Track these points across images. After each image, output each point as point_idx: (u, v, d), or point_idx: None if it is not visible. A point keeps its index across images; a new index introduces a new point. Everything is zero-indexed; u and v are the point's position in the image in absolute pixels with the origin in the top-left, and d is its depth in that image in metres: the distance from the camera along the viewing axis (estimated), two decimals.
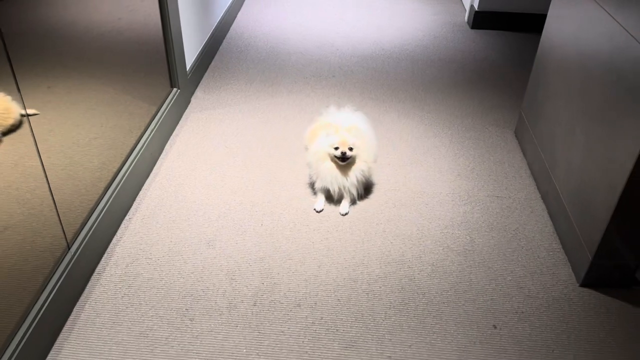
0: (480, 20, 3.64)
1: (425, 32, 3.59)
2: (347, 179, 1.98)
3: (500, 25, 3.66)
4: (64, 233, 1.54)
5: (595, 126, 1.69)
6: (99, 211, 1.72)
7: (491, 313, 1.61)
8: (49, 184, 1.45)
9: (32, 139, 1.37)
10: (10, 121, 1.28)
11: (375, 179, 2.14)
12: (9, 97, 1.27)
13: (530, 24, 3.62)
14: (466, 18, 3.81)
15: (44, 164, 1.42)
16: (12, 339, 1.32)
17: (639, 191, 1.49)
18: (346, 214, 1.98)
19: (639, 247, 1.62)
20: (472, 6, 3.69)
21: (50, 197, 1.47)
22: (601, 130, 1.65)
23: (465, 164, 2.27)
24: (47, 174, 1.43)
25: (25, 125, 1.33)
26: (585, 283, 1.71)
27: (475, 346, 1.51)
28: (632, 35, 1.50)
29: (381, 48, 3.32)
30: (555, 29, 2.12)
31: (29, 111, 1.35)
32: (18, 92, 1.30)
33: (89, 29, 1.66)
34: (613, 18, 1.63)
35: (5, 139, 1.27)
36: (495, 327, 1.57)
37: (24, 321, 1.36)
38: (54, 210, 1.49)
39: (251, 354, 1.46)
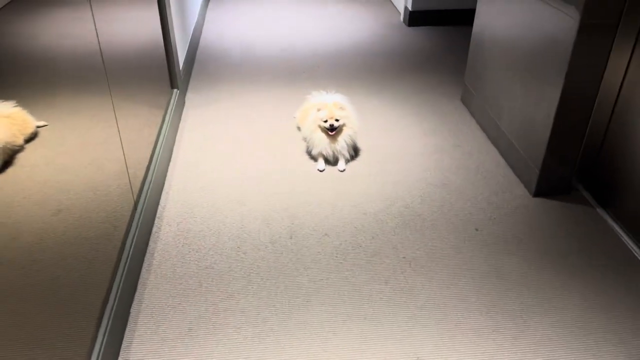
0: (414, 18, 4.24)
1: (370, 32, 4.13)
2: (337, 144, 2.42)
3: (432, 22, 4.27)
4: (134, 200, 1.89)
5: (528, 76, 2.24)
6: (147, 187, 2.07)
7: (472, 221, 2.10)
8: (127, 170, 1.80)
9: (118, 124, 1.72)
10: (29, 130, 1.42)
11: (359, 144, 2.60)
12: (25, 111, 1.37)
13: (457, 18, 4.25)
14: (402, 18, 4.39)
15: (71, 163, 1.53)
16: (114, 280, 1.66)
17: (566, 116, 2.04)
18: (343, 170, 2.42)
19: (571, 159, 2.17)
20: (406, 7, 4.28)
21: (127, 178, 1.82)
22: (534, 77, 2.19)
23: (428, 126, 2.79)
24: (77, 170, 1.54)
25: (42, 134, 1.44)
26: (537, 193, 2.23)
27: (464, 243, 1.99)
28: (547, 3, 2.06)
29: (336, 48, 3.82)
30: (485, 11, 2.68)
31: (39, 122, 1.47)
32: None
33: (97, 45, 1.77)
34: None
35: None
36: (477, 229, 2.06)
37: (118, 266, 1.70)
38: (129, 185, 1.84)
39: (299, 269, 1.87)
